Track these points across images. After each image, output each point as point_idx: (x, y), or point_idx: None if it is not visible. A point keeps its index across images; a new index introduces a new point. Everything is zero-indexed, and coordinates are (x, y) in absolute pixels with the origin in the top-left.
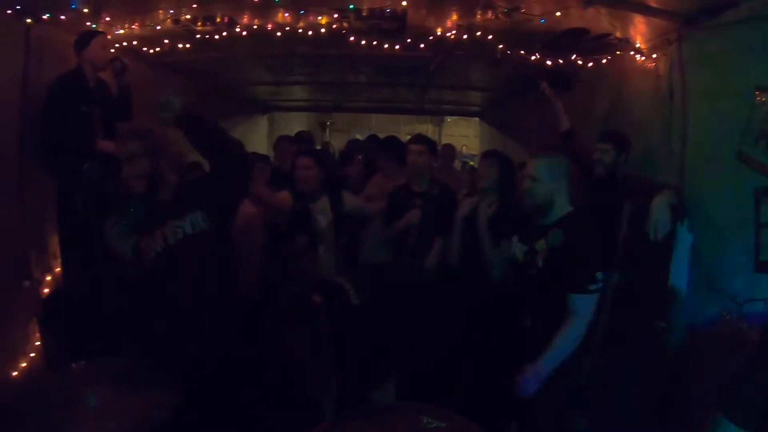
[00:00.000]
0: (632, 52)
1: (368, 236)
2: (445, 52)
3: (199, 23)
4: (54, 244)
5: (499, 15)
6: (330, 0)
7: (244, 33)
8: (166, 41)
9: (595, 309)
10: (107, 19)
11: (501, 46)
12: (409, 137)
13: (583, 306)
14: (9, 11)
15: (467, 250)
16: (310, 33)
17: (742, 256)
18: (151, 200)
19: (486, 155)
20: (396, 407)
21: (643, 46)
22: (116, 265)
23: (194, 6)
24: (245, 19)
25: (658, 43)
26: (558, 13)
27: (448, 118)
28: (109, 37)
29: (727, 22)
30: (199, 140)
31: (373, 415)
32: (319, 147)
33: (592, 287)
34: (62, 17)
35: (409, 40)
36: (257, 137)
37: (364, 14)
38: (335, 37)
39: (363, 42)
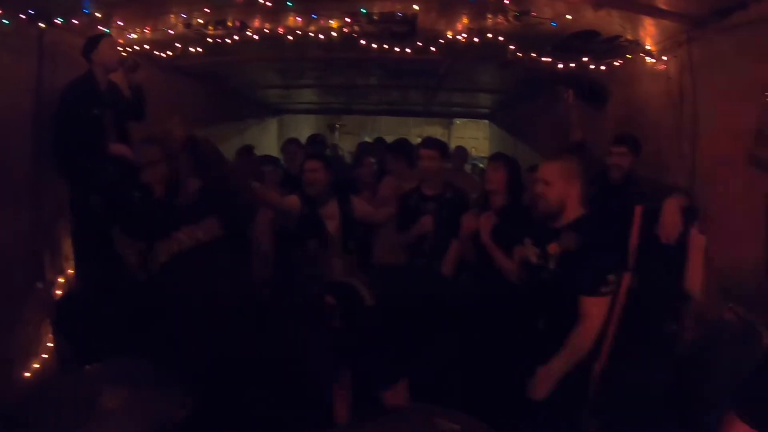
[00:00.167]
0: (642, 54)
1: (381, 239)
2: (455, 56)
3: (211, 27)
4: (67, 246)
5: (510, 18)
6: (341, 4)
7: (256, 37)
8: (177, 45)
9: (607, 311)
10: (119, 23)
11: (512, 48)
12: (419, 139)
13: (596, 309)
14: (22, 16)
15: (480, 253)
16: (321, 37)
17: (754, 258)
18: (168, 205)
19: (493, 158)
20: (408, 409)
21: (653, 48)
22: (129, 267)
23: (206, 10)
24: (257, 23)
25: (668, 45)
26: (569, 16)
27: (458, 121)
28: (120, 41)
29: (736, 24)
30: (202, 169)
31: (385, 417)
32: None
33: (605, 290)
34: (75, 22)
35: (419, 44)
36: (267, 139)
37: (375, 18)
38: (346, 40)
39: (374, 45)
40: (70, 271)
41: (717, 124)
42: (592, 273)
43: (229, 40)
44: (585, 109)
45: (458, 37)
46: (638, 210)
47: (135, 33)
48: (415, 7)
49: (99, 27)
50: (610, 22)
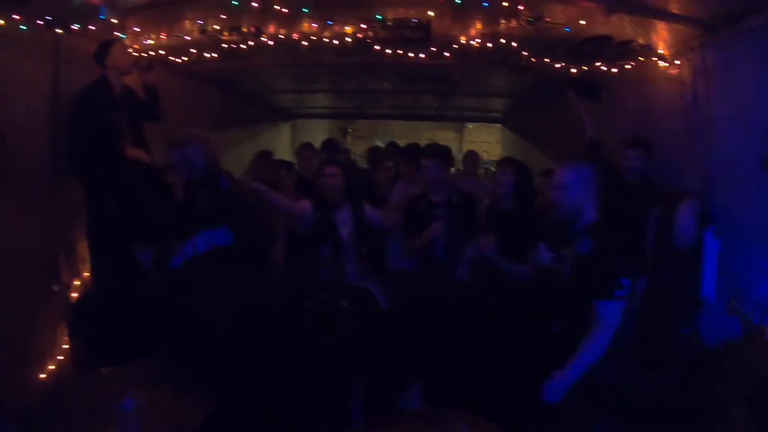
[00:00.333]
0: (655, 59)
1: (394, 244)
2: (468, 61)
3: (226, 33)
4: (82, 249)
5: (523, 23)
6: (357, 10)
7: (271, 42)
8: (193, 50)
9: (622, 315)
10: (135, 29)
11: (525, 53)
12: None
13: (610, 313)
14: (40, 22)
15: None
16: (335, 42)
17: None
18: (188, 208)
19: (502, 163)
20: (423, 412)
21: (665, 53)
22: (145, 270)
23: (222, 17)
24: (271, 29)
25: (680, 49)
26: (582, 22)
27: (470, 125)
28: (136, 46)
29: (749, 28)
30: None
31: (400, 420)
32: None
33: (619, 294)
34: (91, 28)
35: (433, 49)
36: (280, 144)
37: (390, 24)
38: (360, 45)
39: (388, 51)
40: (86, 274)
41: (730, 128)
42: (608, 277)
43: (244, 46)
44: (593, 109)
45: (472, 42)
46: (653, 215)
47: (151, 39)
48: (430, 13)
49: (115, 33)
50: (623, 26)
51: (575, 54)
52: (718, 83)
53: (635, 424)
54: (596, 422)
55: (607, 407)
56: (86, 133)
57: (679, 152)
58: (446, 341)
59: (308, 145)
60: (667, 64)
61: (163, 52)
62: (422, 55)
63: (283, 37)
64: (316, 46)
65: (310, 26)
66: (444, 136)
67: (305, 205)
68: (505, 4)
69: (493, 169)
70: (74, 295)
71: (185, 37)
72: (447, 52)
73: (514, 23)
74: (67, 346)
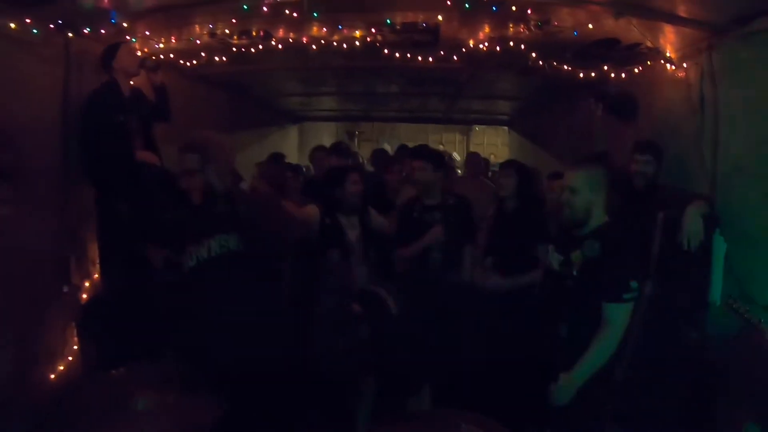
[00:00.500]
0: (663, 62)
1: None
2: (476, 64)
3: (236, 37)
4: (93, 251)
5: (532, 27)
6: (366, 14)
7: (280, 46)
8: (202, 54)
9: (630, 318)
10: (146, 32)
11: (533, 56)
12: (441, 146)
13: (618, 315)
14: (51, 26)
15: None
16: (344, 46)
17: None
18: (204, 212)
19: (504, 166)
20: (432, 414)
21: (673, 56)
22: (155, 272)
23: (232, 21)
24: (281, 33)
25: (688, 52)
26: (590, 25)
27: (476, 127)
28: (146, 50)
29: (757, 31)
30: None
31: (409, 422)
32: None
33: (627, 297)
34: (102, 31)
35: (441, 52)
36: (288, 146)
37: (398, 28)
38: (368, 49)
39: (396, 54)
40: (96, 276)
41: (737, 131)
42: (615, 280)
43: (253, 50)
44: (611, 121)
45: (480, 45)
46: (660, 217)
47: (160, 42)
48: (439, 17)
49: (126, 36)
50: (631, 30)
51: (583, 57)
52: (726, 86)
53: (642, 426)
54: (603, 424)
55: (613, 410)
56: (97, 136)
57: (686, 155)
58: (454, 344)
59: (322, 148)
60: (674, 67)
61: (172, 56)
62: (430, 59)
63: (292, 40)
64: (325, 50)
65: (319, 30)
66: (450, 138)
67: (312, 209)
68: (513, 8)
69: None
70: (84, 296)
71: (195, 41)
72: (455, 55)
73: (522, 27)
74: (77, 348)
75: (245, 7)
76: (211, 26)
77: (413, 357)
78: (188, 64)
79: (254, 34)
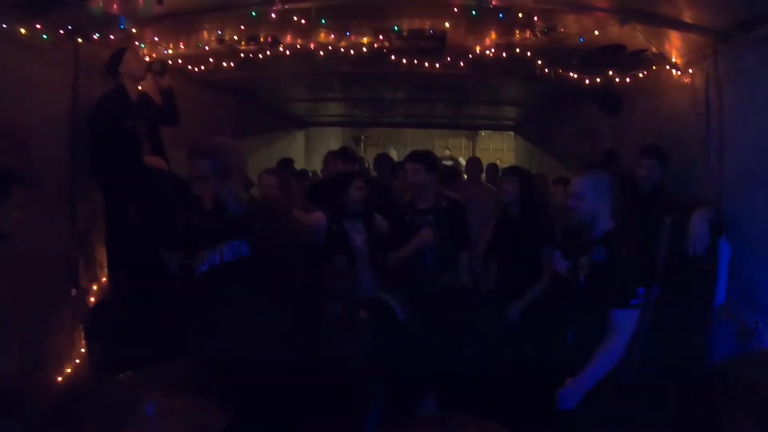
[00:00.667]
0: (668, 67)
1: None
2: (483, 70)
3: (243, 43)
4: (101, 254)
5: (538, 33)
6: (373, 21)
7: (287, 52)
8: (210, 60)
9: (637, 324)
10: (154, 38)
11: (540, 61)
12: (447, 151)
13: (625, 321)
14: (61, 31)
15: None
16: (351, 52)
17: None
18: (216, 219)
19: (508, 173)
20: (437, 418)
21: (678, 61)
22: (165, 276)
23: (241, 27)
24: (288, 39)
25: (693, 58)
26: (596, 32)
27: (482, 132)
28: (155, 55)
29: (763, 36)
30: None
31: (414, 426)
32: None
33: (634, 302)
34: (111, 37)
35: (448, 59)
36: (294, 151)
37: (406, 34)
38: (375, 55)
39: (404, 61)
40: (104, 279)
41: (743, 136)
42: (623, 286)
43: (261, 56)
44: (612, 122)
45: (486, 52)
46: (666, 223)
47: (169, 48)
48: (446, 24)
49: (135, 42)
50: (636, 36)
51: (589, 63)
52: (731, 91)
53: (649, 430)
54: (609, 430)
55: (620, 415)
56: (105, 141)
57: (692, 161)
58: (461, 348)
59: (333, 153)
60: (680, 73)
61: (180, 62)
62: (437, 65)
63: (299, 47)
64: (332, 56)
65: (327, 36)
66: (456, 143)
67: (319, 216)
68: (519, 15)
69: None
70: (92, 299)
71: (203, 47)
72: (462, 61)
73: (528, 34)
74: (84, 350)
75: (253, 13)
76: (219, 32)
77: (419, 361)
78: (196, 69)
79: (262, 40)
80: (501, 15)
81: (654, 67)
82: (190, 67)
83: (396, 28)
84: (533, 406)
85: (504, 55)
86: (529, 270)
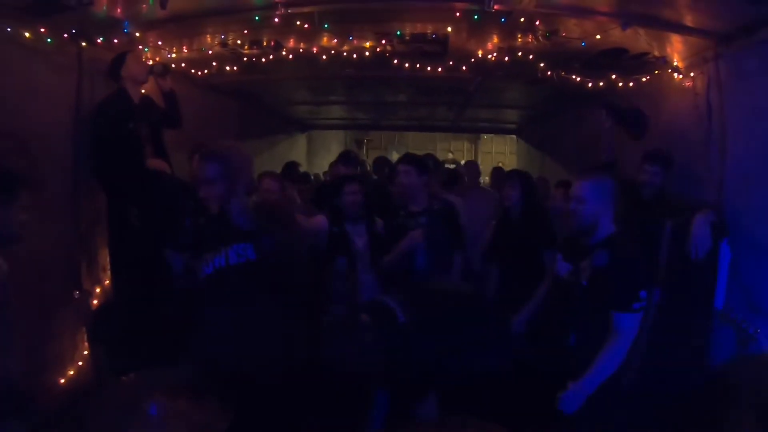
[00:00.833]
0: (670, 71)
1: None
2: (485, 74)
3: (246, 47)
4: (104, 256)
5: (540, 37)
6: (376, 25)
7: (290, 56)
8: (214, 63)
9: (639, 327)
10: (158, 42)
11: (542, 65)
12: (450, 154)
13: (627, 325)
14: (65, 35)
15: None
16: (354, 56)
17: None
18: (221, 221)
19: (509, 177)
20: (438, 421)
21: (680, 65)
22: (168, 278)
23: (244, 31)
24: (291, 43)
25: (695, 61)
26: (598, 36)
27: (484, 135)
28: (158, 58)
29: (763, 40)
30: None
31: (416, 429)
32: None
33: (636, 306)
34: (115, 41)
35: (450, 62)
36: (297, 154)
37: (408, 38)
38: (377, 59)
39: (406, 64)
40: (107, 282)
41: (744, 139)
42: (625, 290)
43: (263, 59)
44: (620, 134)
45: (488, 56)
46: (668, 226)
47: (172, 52)
48: (448, 28)
49: (139, 46)
50: (638, 39)
51: (591, 67)
52: (732, 95)
53: None
54: (611, 431)
55: (621, 418)
56: (108, 144)
57: (694, 164)
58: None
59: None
60: (681, 76)
61: (184, 65)
62: (439, 69)
63: (302, 50)
64: (335, 60)
65: (329, 40)
66: (458, 146)
67: (321, 220)
68: (521, 19)
69: None
70: (95, 302)
71: (206, 51)
72: (464, 65)
73: (530, 37)
74: (87, 353)
75: (257, 17)
76: (222, 36)
77: (420, 364)
78: (199, 73)
79: (265, 44)
80: (503, 19)
81: (656, 71)
82: (193, 70)
83: (398, 32)
84: (534, 409)
85: (506, 58)
86: (532, 273)
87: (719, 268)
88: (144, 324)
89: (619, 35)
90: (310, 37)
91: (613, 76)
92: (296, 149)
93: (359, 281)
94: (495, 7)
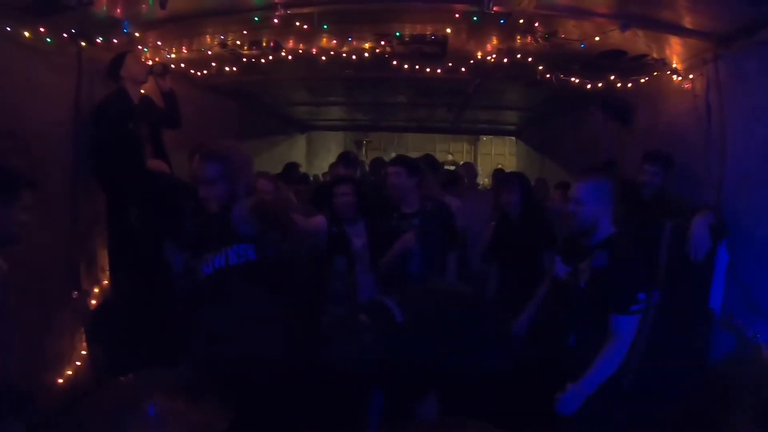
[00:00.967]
0: (669, 73)
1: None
2: (484, 75)
3: (246, 47)
4: (102, 256)
5: (539, 39)
6: (375, 26)
7: (290, 57)
8: (213, 64)
9: (637, 329)
10: (158, 42)
11: (541, 67)
12: (450, 156)
13: (626, 327)
14: (65, 35)
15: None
16: (353, 57)
17: None
18: (221, 222)
19: (509, 182)
20: (438, 422)
21: (679, 66)
22: (168, 277)
23: (244, 32)
24: (291, 44)
25: (694, 63)
26: (597, 38)
27: (484, 137)
28: (157, 59)
29: (762, 41)
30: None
31: (416, 430)
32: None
33: (635, 308)
34: (114, 41)
35: (449, 64)
36: (296, 155)
37: (407, 39)
38: (377, 59)
39: (405, 66)
40: (106, 282)
41: (744, 140)
42: (623, 291)
43: (263, 60)
44: (616, 128)
45: (488, 57)
46: (667, 228)
47: (172, 52)
48: (447, 29)
49: (138, 46)
50: (637, 41)
51: (590, 69)
52: (732, 96)
53: None
54: None
55: (620, 419)
56: (107, 144)
57: (693, 165)
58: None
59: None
60: (680, 78)
61: (183, 65)
62: (438, 70)
63: (301, 51)
64: (334, 61)
65: (329, 41)
66: (458, 148)
67: (320, 220)
68: (521, 21)
69: None
70: (93, 302)
71: (206, 51)
72: (463, 66)
73: (529, 39)
74: (85, 353)
75: (256, 18)
76: (222, 37)
77: (419, 364)
78: (199, 73)
79: (264, 44)
80: (502, 20)
81: (655, 73)
82: (192, 70)
83: (397, 33)
84: (534, 409)
85: (505, 60)
86: (531, 274)
87: (715, 269)
88: (143, 324)
89: (618, 37)
90: (309, 37)
91: (612, 78)
92: (296, 150)
93: (358, 281)
94: (494, 8)
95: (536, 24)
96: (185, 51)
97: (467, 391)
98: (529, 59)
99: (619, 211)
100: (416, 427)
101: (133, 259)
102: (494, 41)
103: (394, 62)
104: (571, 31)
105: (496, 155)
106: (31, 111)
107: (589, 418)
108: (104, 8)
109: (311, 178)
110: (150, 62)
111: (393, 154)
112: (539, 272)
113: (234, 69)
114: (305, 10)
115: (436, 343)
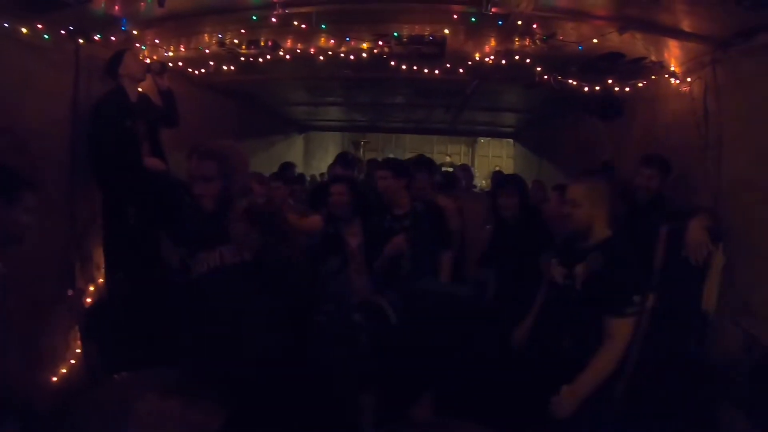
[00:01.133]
0: (667, 76)
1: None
2: (482, 76)
3: (244, 46)
4: (98, 255)
5: (537, 41)
6: (373, 26)
7: (288, 56)
8: (211, 63)
9: (633, 332)
10: (155, 40)
11: (539, 69)
12: (448, 158)
13: (621, 330)
14: (63, 32)
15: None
16: (351, 57)
17: None
18: (216, 220)
19: (507, 186)
20: (432, 423)
21: (677, 70)
22: (164, 275)
23: (242, 31)
24: (289, 43)
25: (692, 66)
26: (595, 40)
27: (482, 139)
28: (155, 57)
29: (761, 45)
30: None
31: (410, 431)
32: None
33: (630, 311)
34: (112, 38)
35: (447, 65)
36: (294, 155)
37: (405, 40)
38: (375, 60)
39: (403, 66)
40: (101, 280)
41: (741, 144)
42: (618, 294)
43: (261, 59)
44: (611, 130)
45: (486, 59)
46: (664, 231)
47: (170, 50)
48: (446, 30)
49: (136, 44)
50: (635, 44)
51: (588, 71)
52: (730, 100)
53: None
54: None
55: (615, 422)
56: (105, 142)
57: (690, 168)
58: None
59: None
60: (678, 81)
61: (181, 64)
62: (436, 71)
63: (299, 51)
64: (332, 61)
65: (327, 41)
66: (456, 149)
67: (315, 220)
68: (519, 22)
69: None
70: (88, 300)
71: (204, 50)
72: (461, 68)
73: (527, 41)
74: (80, 351)
75: (254, 17)
76: (220, 35)
77: (413, 365)
78: (197, 72)
79: (262, 44)
80: (500, 22)
81: (653, 76)
82: (190, 69)
83: (396, 33)
84: (529, 412)
85: (503, 61)
86: (529, 277)
87: (711, 273)
88: (138, 323)
89: (616, 40)
90: (307, 37)
91: (610, 81)
92: (293, 150)
93: (352, 281)
94: (492, 9)
95: (534, 26)
96: (183, 49)
97: (462, 393)
98: (527, 61)
99: (614, 213)
100: (411, 429)
101: (130, 257)
102: (492, 43)
103: (392, 63)
104: (569, 33)
105: (494, 157)
106: (28, 108)
107: (584, 421)
108: (102, 5)
109: (308, 179)
110: (148, 60)
111: (390, 155)
112: (537, 275)
113: (232, 68)
114: (303, 10)
115: (430, 344)
